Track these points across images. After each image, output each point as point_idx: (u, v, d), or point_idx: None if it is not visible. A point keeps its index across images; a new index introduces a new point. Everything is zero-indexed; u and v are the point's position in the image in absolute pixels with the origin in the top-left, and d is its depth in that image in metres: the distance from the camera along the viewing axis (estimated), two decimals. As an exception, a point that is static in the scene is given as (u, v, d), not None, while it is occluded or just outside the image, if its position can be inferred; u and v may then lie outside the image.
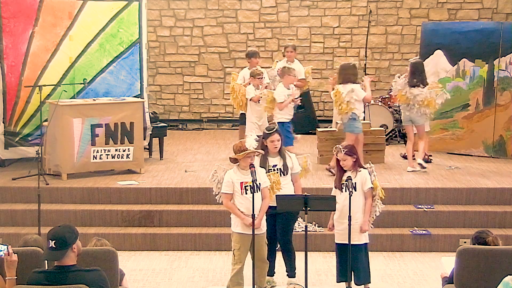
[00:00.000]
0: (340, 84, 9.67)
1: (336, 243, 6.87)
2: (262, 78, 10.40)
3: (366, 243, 6.89)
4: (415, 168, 9.97)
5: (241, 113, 10.98)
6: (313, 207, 6.47)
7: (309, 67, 11.62)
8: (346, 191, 6.64)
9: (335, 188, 6.91)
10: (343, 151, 6.77)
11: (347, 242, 6.50)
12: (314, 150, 10.89)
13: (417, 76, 9.97)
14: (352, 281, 6.76)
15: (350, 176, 6.67)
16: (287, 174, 7.13)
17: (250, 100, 10.34)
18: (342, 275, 6.85)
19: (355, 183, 6.74)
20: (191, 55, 14.24)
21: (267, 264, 7.01)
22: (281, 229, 7.21)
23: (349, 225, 6.32)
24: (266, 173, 6.98)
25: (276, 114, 10.14)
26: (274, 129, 7.12)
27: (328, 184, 9.27)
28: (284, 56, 11.52)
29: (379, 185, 6.90)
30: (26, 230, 8.20)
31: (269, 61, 13.84)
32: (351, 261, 6.67)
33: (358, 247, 6.79)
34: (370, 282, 6.97)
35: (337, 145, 6.92)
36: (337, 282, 6.89)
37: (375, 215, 6.90)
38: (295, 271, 7.29)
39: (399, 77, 10.24)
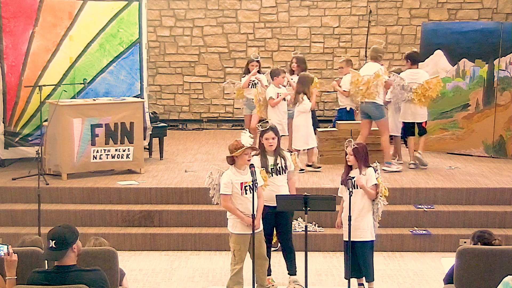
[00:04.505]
0: None
1: (345, 241, 6.81)
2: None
3: (372, 240, 6.89)
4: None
5: None
6: (313, 207, 6.48)
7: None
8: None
9: (341, 184, 6.91)
10: (352, 146, 6.80)
11: (355, 239, 6.60)
12: (314, 150, 10.85)
13: None
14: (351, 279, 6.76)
15: (352, 176, 6.69)
16: (285, 173, 7.16)
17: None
18: (352, 271, 6.84)
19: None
20: (191, 55, 14.23)
21: (267, 260, 7.00)
22: (281, 228, 7.21)
23: (349, 225, 6.33)
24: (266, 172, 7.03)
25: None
26: (268, 127, 7.14)
27: (328, 184, 9.28)
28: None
29: (382, 183, 6.89)
30: (26, 230, 8.21)
31: (269, 61, 13.84)
32: (359, 258, 6.78)
33: (365, 243, 6.82)
34: (373, 280, 6.98)
35: (350, 139, 6.97)
36: (345, 278, 6.76)
37: (379, 213, 6.88)
38: (296, 269, 7.28)
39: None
